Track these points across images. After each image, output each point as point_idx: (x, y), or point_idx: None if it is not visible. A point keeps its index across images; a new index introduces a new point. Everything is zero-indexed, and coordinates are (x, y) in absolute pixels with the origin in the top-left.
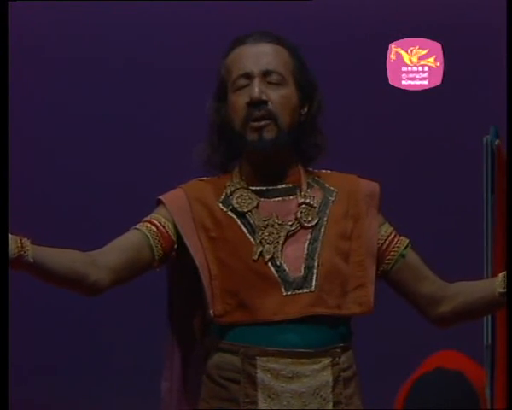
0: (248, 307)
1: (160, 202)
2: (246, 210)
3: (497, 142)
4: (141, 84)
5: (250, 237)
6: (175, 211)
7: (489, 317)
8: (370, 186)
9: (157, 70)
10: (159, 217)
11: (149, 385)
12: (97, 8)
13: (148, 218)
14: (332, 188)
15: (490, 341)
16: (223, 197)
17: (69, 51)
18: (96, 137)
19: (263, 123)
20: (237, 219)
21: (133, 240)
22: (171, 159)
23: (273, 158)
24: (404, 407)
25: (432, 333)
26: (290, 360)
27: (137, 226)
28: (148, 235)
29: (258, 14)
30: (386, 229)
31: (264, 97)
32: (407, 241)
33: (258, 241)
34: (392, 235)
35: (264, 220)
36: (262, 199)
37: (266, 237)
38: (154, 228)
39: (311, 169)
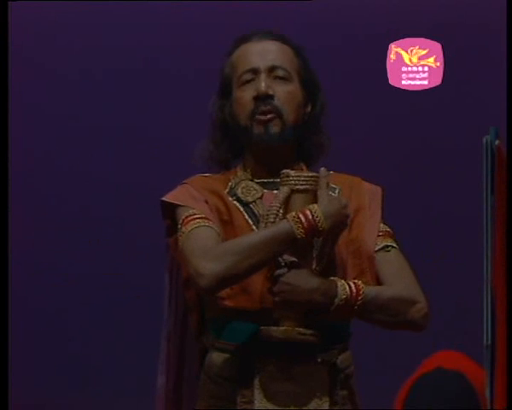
0: (251, 292)
1: (168, 204)
2: (250, 200)
3: (496, 142)
4: (141, 84)
5: (254, 226)
6: (191, 202)
7: (489, 317)
8: (373, 187)
9: (157, 70)
10: (197, 212)
11: (150, 386)
12: (97, 7)
13: (198, 215)
14: (334, 186)
15: (490, 341)
16: (228, 189)
17: (69, 51)
18: (96, 136)
19: (269, 116)
20: (242, 209)
21: (216, 236)
22: (171, 160)
23: (277, 153)
24: (403, 407)
25: (432, 333)
26: (287, 360)
27: (205, 224)
28: (215, 227)
29: (259, 15)
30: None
31: (270, 92)
32: (383, 244)
33: None
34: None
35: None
36: (266, 190)
37: None
38: (210, 222)
39: None
